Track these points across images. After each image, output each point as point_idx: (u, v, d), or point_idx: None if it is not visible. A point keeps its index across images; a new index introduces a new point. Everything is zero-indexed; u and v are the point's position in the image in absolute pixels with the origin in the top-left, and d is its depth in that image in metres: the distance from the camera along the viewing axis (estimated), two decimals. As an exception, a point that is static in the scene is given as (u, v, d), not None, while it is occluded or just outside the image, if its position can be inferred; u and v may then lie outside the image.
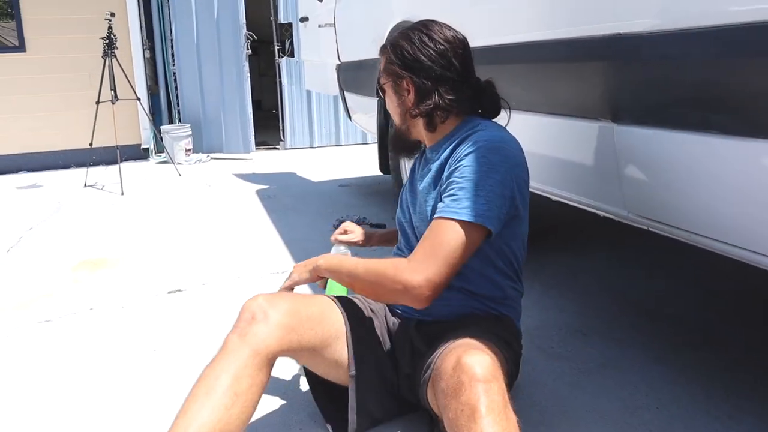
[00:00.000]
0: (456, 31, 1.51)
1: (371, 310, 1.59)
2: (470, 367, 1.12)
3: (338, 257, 1.57)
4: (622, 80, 1.50)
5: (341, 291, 1.64)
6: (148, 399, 1.75)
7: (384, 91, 1.57)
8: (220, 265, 2.97)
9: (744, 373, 1.78)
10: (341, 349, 1.46)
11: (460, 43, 1.49)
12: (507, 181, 1.35)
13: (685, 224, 1.45)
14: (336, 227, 3.49)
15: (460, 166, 1.36)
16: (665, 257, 2.82)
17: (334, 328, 1.45)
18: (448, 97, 1.46)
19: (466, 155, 1.36)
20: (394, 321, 1.59)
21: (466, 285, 1.48)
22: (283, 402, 1.71)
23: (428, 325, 1.50)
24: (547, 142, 1.87)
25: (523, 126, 1.93)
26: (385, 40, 1.57)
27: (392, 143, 1.69)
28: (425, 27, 1.48)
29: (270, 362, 1.32)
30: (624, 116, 1.51)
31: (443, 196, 1.36)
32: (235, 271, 2.87)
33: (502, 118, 1.55)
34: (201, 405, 1.21)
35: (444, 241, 1.30)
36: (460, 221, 1.30)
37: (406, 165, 3.20)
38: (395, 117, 1.59)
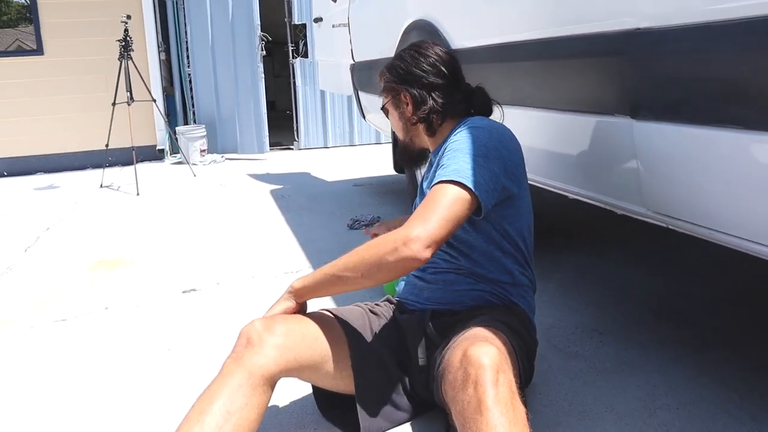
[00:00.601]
0: (443, 47, 1.71)
1: (375, 313, 1.61)
2: (477, 359, 1.13)
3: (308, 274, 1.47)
4: (640, 75, 1.47)
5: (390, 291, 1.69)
6: (162, 398, 1.75)
7: (387, 111, 1.73)
8: (235, 265, 2.97)
9: (765, 375, 1.74)
10: (343, 362, 1.46)
11: (447, 55, 1.67)
12: (492, 156, 1.43)
13: (706, 221, 1.42)
14: (351, 227, 3.49)
15: (447, 145, 1.50)
16: (681, 257, 2.78)
17: (333, 342, 1.45)
18: (441, 100, 1.61)
19: (455, 138, 1.51)
20: (405, 317, 1.58)
21: (476, 268, 1.53)
22: (296, 398, 1.69)
23: (442, 315, 1.53)
24: (564, 139, 1.84)
25: (540, 123, 1.90)
26: (395, 46, 1.76)
27: (400, 157, 1.80)
28: (416, 46, 1.68)
29: (269, 383, 1.32)
30: (643, 112, 1.48)
31: (439, 169, 1.45)
32: (249, 271, 2.86)
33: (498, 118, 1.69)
34: (192, 425, 1.22)
35: (435, 200, 1.36)
36: (447, 181, 1.37)
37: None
38: (399, 132, 1.72)
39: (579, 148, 1.80)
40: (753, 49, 1.16)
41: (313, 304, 1.55)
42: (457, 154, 1.42)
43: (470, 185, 1.36)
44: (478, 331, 1.29)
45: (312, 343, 1.41)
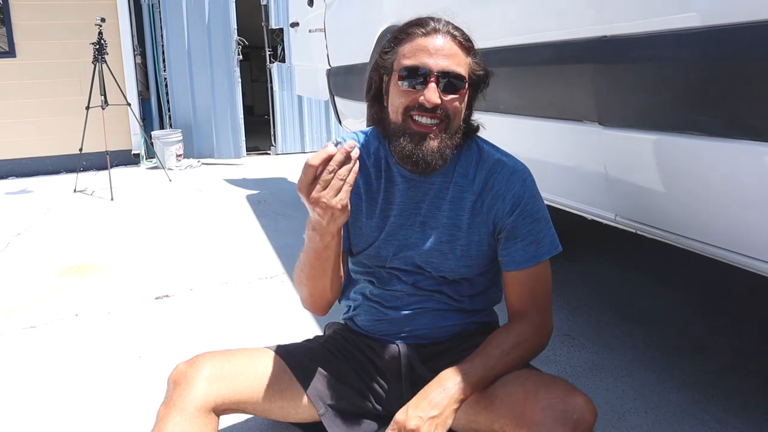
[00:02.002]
0: None
1: (329, 350, 1.47)
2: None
3: (456, 381, 1.22)
4: (608, 82, 1.49)
5: None
6: (132, 406, 1.73)
7: (458, 90, 1.25)
8: (209, 271, 2.95)
9: (732, 377, 1.77)
10: (294, 393, 1.38)
11: None
12: None
13: (673, 227, 1.44)
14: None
15: (521, 206, 1.32)
16: (654, 261, 2.81)
17: (269, 371, 1.38)
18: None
19: (522, 195, 1.32)
20: (380, 353, 1.45)
21: (467, 306, 1.44)
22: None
23: (425, 347, 1.43)
24: (533, 145, 1.86)
25: (509, 129, 1.92)
26: (371, 51, 1.45)
27: (430, 157, 1.27)
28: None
29: (207, 415, 1.26)
30: (610, 118, 1.50)
31: (519, 241, 1.32)
32: (223, 277, 2.84)
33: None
34: None
35: (548, 281, 1.35)
36: (549, 258, 1.34)
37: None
38: (456, 122, 1.27)
39: (548, 154, 1.82)
40: (718, 57, 1.19)
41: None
42: (546, 223, 1.34)
43: (560, 248, 1.36)
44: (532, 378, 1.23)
45: (244, 371, 1.34)
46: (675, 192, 1.39)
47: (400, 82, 1.24)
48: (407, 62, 1.23)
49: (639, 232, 1.61)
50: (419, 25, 1.26)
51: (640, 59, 1.40)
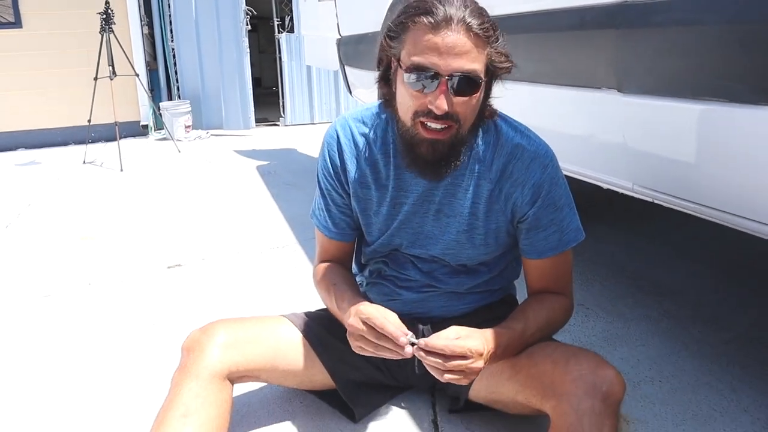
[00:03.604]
0: None
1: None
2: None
3: (498, 338, 1.19)
4: (628, 48, 1.46)
5: None
6: (146, 373, 1.74)
7: (472, 91, 1.14)
8: (220, 241, 2.95)
9: (748, 347, 1.77)
10: (299, 359, 1.38)
11: None
12: None
13: (693, 196, 1.42)
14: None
15: (543, 196, 1.26)
16: (668, 232, 2.80)
17: (284, 339, 1.38)
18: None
19: (542, 183, 1.26)
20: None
21: (483, 288, 1.43)
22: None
23: (439, 324, 1.43)
24: (550, 113, 1.84)
25: (524, 97, 1.89)
26: (382, 20, 1.26)
27: (439, 159, 1.20)
28: None
29: (222, 381, 1.27)
30: (630, 85, 1.48)
31: (541, 231, 1.28)
32: (235, 247, 2.85)
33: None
34: None
35: (570, 266, 1.37)
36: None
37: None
38: (469, 122, 1.19)
39: (565, 122, 1.80)
40: (744, 19, 1.16)
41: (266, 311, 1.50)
42: (570, 209, 1.30)
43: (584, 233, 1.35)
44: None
45: (256, 339, 1.34)
46: (696, 160, 1.37)
47: (407, 80, 1.12)
48: (415, 60, 1.10)
49: (656, 201, 1.59)
50: (428, 13, 1.09)
51: (662, 23, 1.37)
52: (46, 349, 1.92)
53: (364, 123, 1.34)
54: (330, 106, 7.39)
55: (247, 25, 6.75)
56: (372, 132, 1.32)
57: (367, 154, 1.32)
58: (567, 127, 1.80)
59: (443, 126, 1.13)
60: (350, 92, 4.27)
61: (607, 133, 1.63)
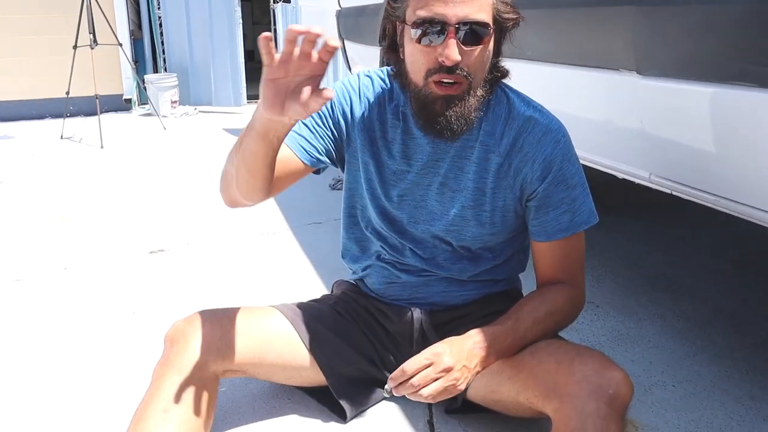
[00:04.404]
0: None
1: (339, 312, 1.49)
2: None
3: (485, 341, 1.22)
4: (648, 27, 1.46)
5: None
6: (125, 365, 1.75)
7: (481, 40, 1.17)
8: (207, 225, 2.96)
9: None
10: (288, 352, 1.39)
11: None
12: None
13: (714, 188, 1.42)
14: (333, 187, 3.48)
15: (554, 171, 1.28)
16: (686, 228, 2.80)
17: (273, 332, 1.39)
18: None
19: (554, 158, 1.28)
20: (390, 318, 1.46)
21: (487, 276, 1.44)
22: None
23: (438, 313, 1.44)
24: (563, 96, 1.83)
25: (537, 78, 1.89)
26: None
27: (451, 119, 1.22)
28: None
29: (206, 376, 1.27)
30: (650, 67, 1.47)
31: (551, 210, 1.30)
32: (222, 232, 2.85)
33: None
34: None
35: (582, 252, 1.37)
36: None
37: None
38: (480, 77, 1.22)
39: (580, 106, 1.79)
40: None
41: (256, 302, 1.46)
42: (583, 189, 1.32)
43: (597, 218, 1.36)
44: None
45: (245, 331, 1.35)
46: (720, 149, 1.37)
47: (414, 36, 1.16)
48: (420, 13, 1.14)
49: (674, 193, 1.59)
50: None
51: (684, 1, 1.36)
52: (16, 338, 1.93)
53: (384, 81, 1.38)
54: (328, 83, 7.35)
55: (240, -7, 6.73)
56: (389, 91, 1.36)
57: (379, 109, 1.36)
58: (581, 110, 1.80)
59: (455, 81, 1.17)
60: (349, 69, 4.26)
61: (623, 118, 1.63)
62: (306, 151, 1.33)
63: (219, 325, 1.34)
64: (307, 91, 0.99)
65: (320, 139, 1.35)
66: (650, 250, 2.55)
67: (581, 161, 1.87)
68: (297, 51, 0.96)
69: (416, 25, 1.15)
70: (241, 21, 6.83)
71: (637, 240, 2.67)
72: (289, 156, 1.31)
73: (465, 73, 1.17)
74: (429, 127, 1.24)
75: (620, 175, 1.76)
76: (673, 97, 1.43)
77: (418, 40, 1.16)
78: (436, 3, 1.13)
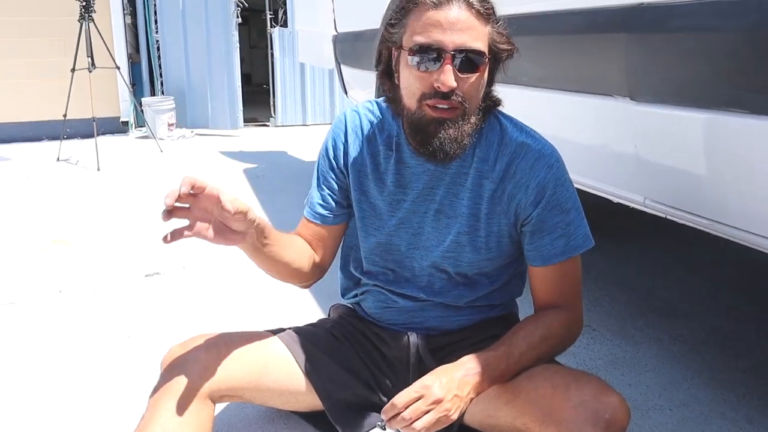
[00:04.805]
0: None
1: (335, 336, 1.48)
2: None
3: (478, 368, 1.21)
4: (642, 54, 1.48)
5: None
6: (121, 390, 1.74)
7: (477, 68, 1.19)
8: (203, 248, 2.95)
9: (765, 377, 1.77)
10: (285, 377, 1.39)
11: None
12: None
13: (708, 212, 1.43)
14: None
15: (548, 196, 1.29)
16: (682, 250, 2.81)
17: (269, 356, 1.38)
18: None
19: (547, 183, 1.29)
20: (387, 343, 1.46)
21: (483, 302, 1.44)
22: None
23: (435, 337, 1.44)
24: (559, 121, 1.85)
25: (531, 103, 1.91)
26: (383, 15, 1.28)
27: (446, 146, 1.23)
28: None
29: (202, 399, 1.27)
30: (643, 93, 1.49)
31: (546, 234, 1.30)
32: (218, 255, 2.85)
33: None
34: None
35: (578, 277, 1.37)
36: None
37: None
38: (474, 104, 1.23)
39: (574, 131, 1.81)
40: (762, 27, 1.17)
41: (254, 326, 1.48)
42: (578, 213, 1.32)
43: (593, 241, 1.36)
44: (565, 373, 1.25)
45: (246, 359, 1.35)
46: (713, 174, 1.38)
47: (411, 62, 1.18)
48: (418, 39, 1.16)
49: (669, 217, 1.60)
50: None
51: (678, 28, 1.38)
52: (10, 362, 1.92)
53: (372, 112, 1.40)
54: (324, 107, 7.42)
55: (237, 17, 6.78)
56: (379, 123, 1.38)
57: (370, 143, 1.38)
58: (575, 135, 1.82)
59: (450, 106, 1.19)
60: (346, 92, 4.29)
61: (617, 143, 1.65)
62: (327, 217, 1.40)
63: (215, 350, 1.33)
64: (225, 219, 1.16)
65: (332, 196, 1.40)
66: (646, 273, 2.56)
67: (576, 186, 1.88)
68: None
69: (413, 51, 1.17)
70: (238, 45, 6.88)
71: (632, 263, 2.68)
72: (318, 231, 1.41)
73: (460, 99, 1.19)
74: (422, 149, 1.25)
75: (615, 200, 1.77)
76: (665, 123, 1.45)
77: (416, 66, 1.18)
78: (434, 30, 1.15)
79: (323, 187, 1.41)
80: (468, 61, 1.17)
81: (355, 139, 1.38)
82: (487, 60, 1.20)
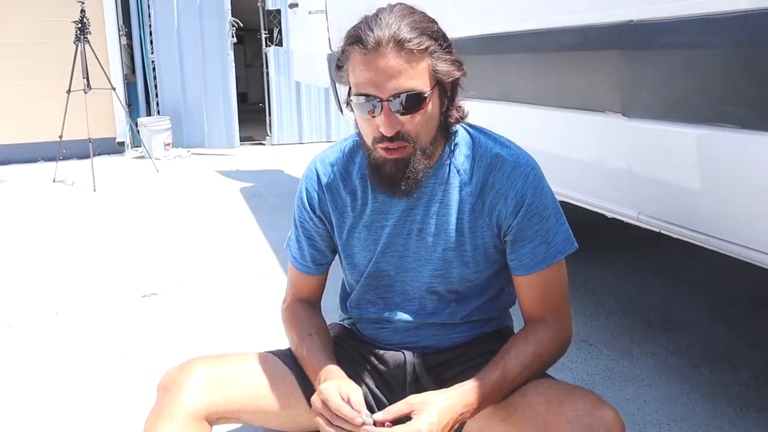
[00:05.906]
0: None
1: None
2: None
3: (473, 390, 1.21)
4: (633, 70, 1.49)
5: None
6: (117, 412, 1.74)
7: (418, 107, 1.18)
8: (200, 268, 2.96)
9: (765, 389, 1.78)
10: (283, 399, 1.39)
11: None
12: None
13: (703, 227, 1.44)
14: None
15: (526, 205, 1.29)
16: (678, 264, 2.82)
17: (267, 377, 1.39)
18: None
19: (525, 193, 1.29)
20: (372, 351, 1.46)
21: (477, 316, 1.44)
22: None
23: (431, 355, 1.44)
24: (551, 137, 1.86)
25: (525, 120, 1.93)
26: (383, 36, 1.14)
27: (397, 181, 1.24)
28: (406, 7, 1.24)
29: (199, 421, 1.27)
30: (635, 109, 1.50)
31: (527, 243, 1.30)
32: (215, 275, 2.85)
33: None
34: None
35: (563, 284, 1.35)
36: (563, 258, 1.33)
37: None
38: (426, 136, 1.23)
39: (567, 147, 1.82)
40: (755, 43, 1.19)
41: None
42: (557, 219, 1.31)
43: (576, 244, 1.34)
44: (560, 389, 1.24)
45: (239, 377, 1.35)
46: (705, 189, 1.39)
47: (355, 109, 1.19)
48: (356, 88, 1.17)
49: (663, 232, 1.61)
50: (359, 41, 1.15)
51: (669, 45, 1.40)
52: (7, 384, 1.91)
53: (342, 153, 1.41)
54: (320, 125, 7.45)
55: (232, 37, 6.82)
56: (350, 162, 1.40)
57: (346, 183, 1.39)
58: (568, 152, 1.83)
59: (398, 146, 1.20)
60: (341, 111, 4.31)
61: (610, 159, 1.66)
62: (315, 267, 1.46)
63: (213, 372, 1.33)
64: None
65: (315, 245, 1.44)
66: (643, 287, 2.56)
67: (571, 201, 1.90)
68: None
69: (356, 98, 1.18)
70: (233, 64, 6.91)
71: (629, 277, 2.68)
72: (307, 281, 1.49)
73: (407, 138, 1.19)
74: (381, 187, 1.28)
75: (609, 215, 1.78)
76: (657, 139, 1.46)
77: (361, 112, 1.19)
78: (367, 81, 1.15)
79: (302, 237, 1.44)
80: (407, 102, 1.15)
81: (329, 189, 1.40)
82: (428, 96, 1.18)
